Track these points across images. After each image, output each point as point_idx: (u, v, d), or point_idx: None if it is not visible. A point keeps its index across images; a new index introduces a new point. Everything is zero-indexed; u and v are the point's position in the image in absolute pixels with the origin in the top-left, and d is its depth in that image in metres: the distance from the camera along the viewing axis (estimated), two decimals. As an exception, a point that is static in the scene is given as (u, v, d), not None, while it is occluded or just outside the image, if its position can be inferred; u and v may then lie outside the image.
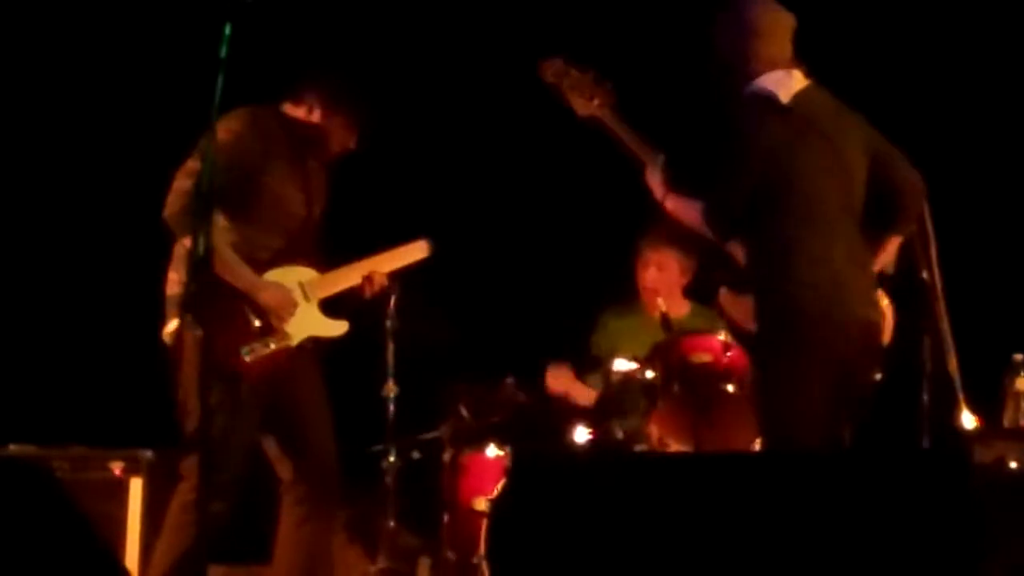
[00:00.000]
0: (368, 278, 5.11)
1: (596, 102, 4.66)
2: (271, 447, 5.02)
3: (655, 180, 4.59)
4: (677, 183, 4.57)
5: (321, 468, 5.00)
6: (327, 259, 5.10)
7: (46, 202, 6.99)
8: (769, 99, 4.43)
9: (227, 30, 3.92)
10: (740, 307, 4.55)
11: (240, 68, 3.96)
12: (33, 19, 6.87)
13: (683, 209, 4.56)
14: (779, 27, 4.54)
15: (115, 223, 6.84)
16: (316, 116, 5.02)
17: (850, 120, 4.56)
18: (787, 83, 4.47)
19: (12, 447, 5.68)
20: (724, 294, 4.63)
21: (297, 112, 5.04)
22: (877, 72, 6.45)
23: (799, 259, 4.36)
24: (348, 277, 5.10)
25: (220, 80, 3.91)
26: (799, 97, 4.46)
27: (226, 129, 4.74)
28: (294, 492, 5.00)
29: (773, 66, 4.48)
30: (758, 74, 4.48)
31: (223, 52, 3.92)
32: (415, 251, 5.28)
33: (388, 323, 5.86)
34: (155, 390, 4.98)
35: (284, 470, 5.01)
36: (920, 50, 6.68)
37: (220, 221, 4.71)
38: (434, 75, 7.11)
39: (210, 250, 4.01)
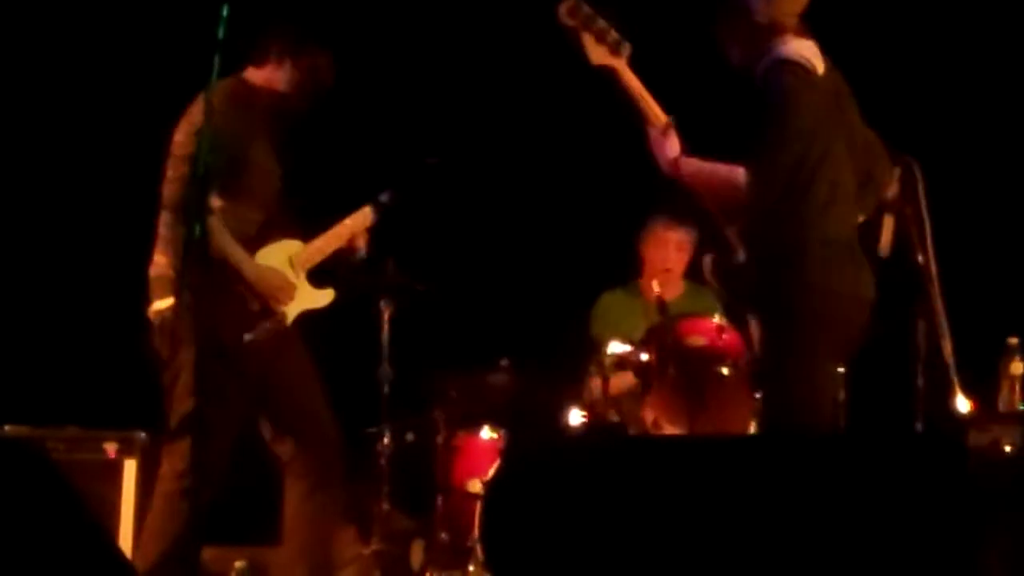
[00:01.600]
0: (351, 239, 5.08)
1: (613, 53, 4.48)
2: (266, 427, 5.00)
3: (665, 142, 4.48)
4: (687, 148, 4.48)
5: (321, 438, 4.97)
6: (303, 228, 5.05)
7: (41, 185, 6.97)
8: (808, 69, 4.36)
9: (224, 11, 3.92)
10: (728, 275, 4.53)
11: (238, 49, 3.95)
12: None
13: (704, 174, 4.45)
14: None
15: (109, 205, 6.82)
16: (286, 67, 4.94)
17: (852, 99, 4.53)
18: (817, 55, 4.41)
19: (7, 428, 5.69)
20: (708, 263, 4.58)
21: (261, 73, 4.95)
22: (872, 52, 6.44)
23: (820, 238, 4.32)
24: (328, 244, 5.06)
25: (217, 61, 3.90)
26: (826, 72, 4.42)
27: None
28: (296, 467, 4.97)
29: (791, 27, 4.42)
30: (778, 30, 4.41)
31: (221, 33, 3.91)
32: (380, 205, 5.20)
33: (382, 305, 5.86)
34: (149, 371, 4.97)
35: (283, 449, 4.99)
36: (912, 32, 6.68)
37: (216, 203, 4.71)
38: (430, 56, 7.09)
39: (206, 234, 4.00)
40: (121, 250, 6.69)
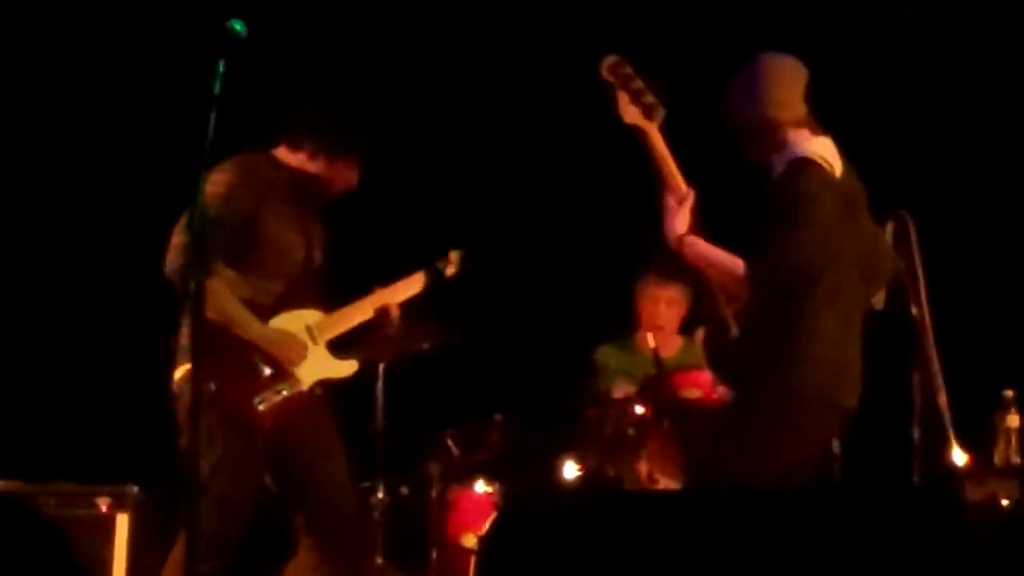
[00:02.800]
0: (383, 311, 5.12)
1: (646, 116, 4.48)
2: (282, 493, 4.98)
3: (677, 214, 4.46)
4: (700, 226, 4.46)
5: (335, 516, 4.93)
6: (331, 301, 5.08)
7: (34, 240, 6.97)
8: (826, 170, 4.33)
9: (221, 66, 3.92)
10: (716, 350, 4.53)
11: (235, 104, 3.95)
12: (27, 55, 6.87)
13: (706, 258, 4.43)
14: (793, 87, 4.45)
15: (103, 260, 6.84)
16: (319, 163, 4.97)
17: (864, 197, 4.50)
18: (834, 153, 4.38)
19: (-2, 483, 5.67)
20: (700, 336, 4.58)
21: (295, 157, 4.99)
22: (864, 105, 6.47)
23: (814, 344, 4.31)
24: (353, 315, 5.10)
25: (213, 116, 3.90)
26: (843, 173, 4.38)
27: (216, 181, 4.74)
28: (308, 536, 4.94)
29: (794, 118, 4.40)
30: (780, 124, 4.39)
31: (217, 88, 3.91)
32: (415, 282, 5.29)
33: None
34: (142, 426, 4.96)
35: (299, 518, 4.97)
36: (904, 87, 6.71)
37: (225, 273, 4.75)
38: (426, 123, 7.12)
39: (202, 292, 3.99)
40: (113, 305, 6.72)
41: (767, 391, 4.33)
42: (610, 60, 4.52)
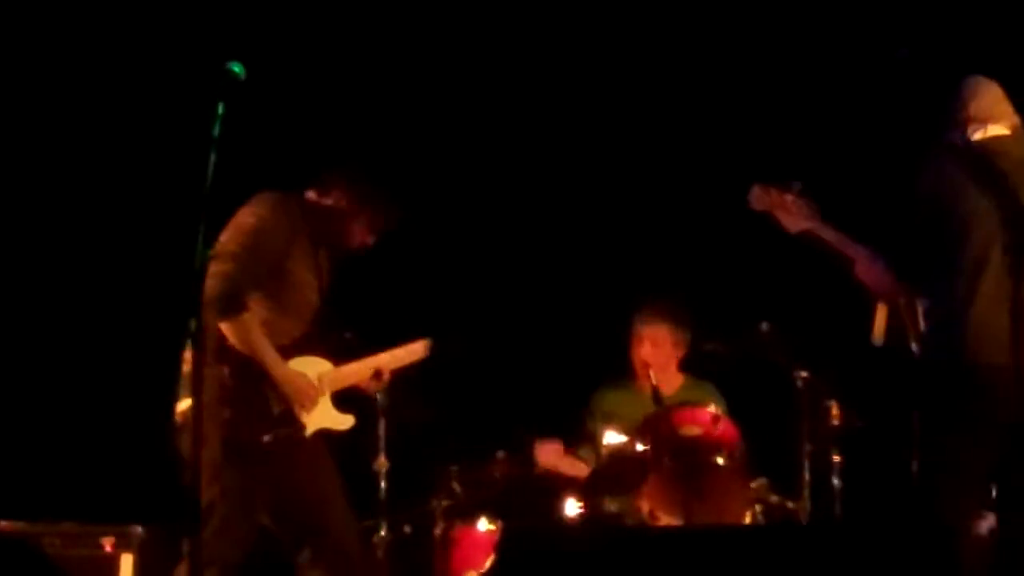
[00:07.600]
0: (377, 374, 5.21)
1: (804, 216, 4.83)
2: (283, 533, 5.00)
3: (876, 273, 4.69)
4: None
5: (343, 554, 4.99)
6: (332, 348, 5.15)
7: (33, 276, 6.99)
8: (951, 141, 4.63)
9: (220, 109, 3.95)
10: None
11: (234, 147, 3.98)
12: (27, 94, 6.91)
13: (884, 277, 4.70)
14: (990, 92, 4.74)
15: (104, 299, 6.85)
16: (341, 218, 5.04)
17: None
18: (981, 129, 4.65)
19: (2, 523, 5.67)
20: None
21: (323, 202, 5.05)
22: (864, 151, 6.49)
23: (973, 314, 4.50)
24: (358, 373, 5.18)
25: (212, 159, 3.92)
26: (991, 140, 4.62)
27: (253, 213, 4.80)
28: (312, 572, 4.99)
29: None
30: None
31: (216, 131, 3.94)
32: (417, 351, 5.37)
33: (379, 398, 5.87)
34: (146, 466, 4.97)
35: (301, 557, 4.99)
36: (901, 131, 6.73)
37: (252, 305, 4.77)
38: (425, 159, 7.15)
39: (201, 330, 4.00)
40: (117, 344, 6.74)
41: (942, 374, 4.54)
42: (754, 193, 4.89)
